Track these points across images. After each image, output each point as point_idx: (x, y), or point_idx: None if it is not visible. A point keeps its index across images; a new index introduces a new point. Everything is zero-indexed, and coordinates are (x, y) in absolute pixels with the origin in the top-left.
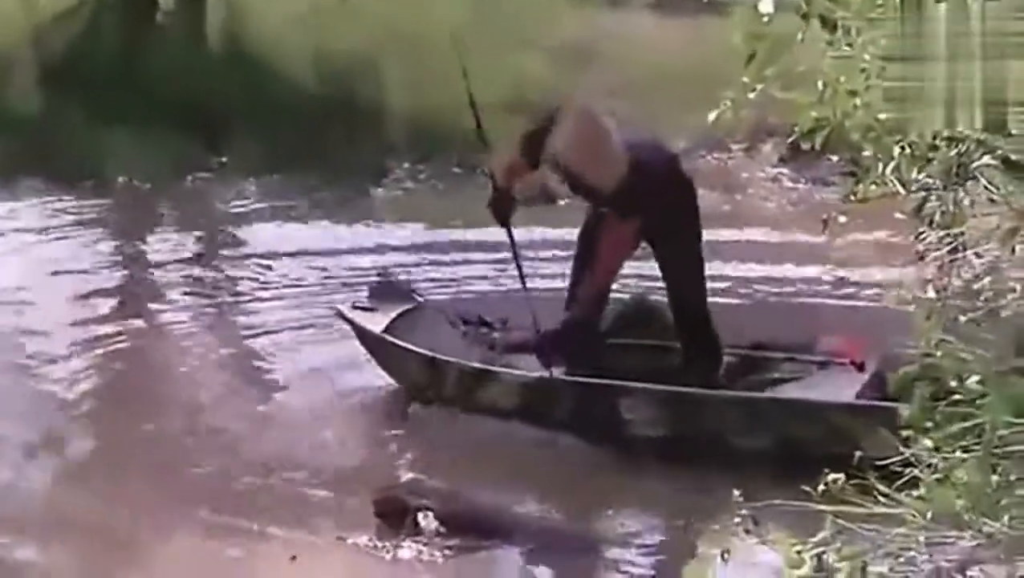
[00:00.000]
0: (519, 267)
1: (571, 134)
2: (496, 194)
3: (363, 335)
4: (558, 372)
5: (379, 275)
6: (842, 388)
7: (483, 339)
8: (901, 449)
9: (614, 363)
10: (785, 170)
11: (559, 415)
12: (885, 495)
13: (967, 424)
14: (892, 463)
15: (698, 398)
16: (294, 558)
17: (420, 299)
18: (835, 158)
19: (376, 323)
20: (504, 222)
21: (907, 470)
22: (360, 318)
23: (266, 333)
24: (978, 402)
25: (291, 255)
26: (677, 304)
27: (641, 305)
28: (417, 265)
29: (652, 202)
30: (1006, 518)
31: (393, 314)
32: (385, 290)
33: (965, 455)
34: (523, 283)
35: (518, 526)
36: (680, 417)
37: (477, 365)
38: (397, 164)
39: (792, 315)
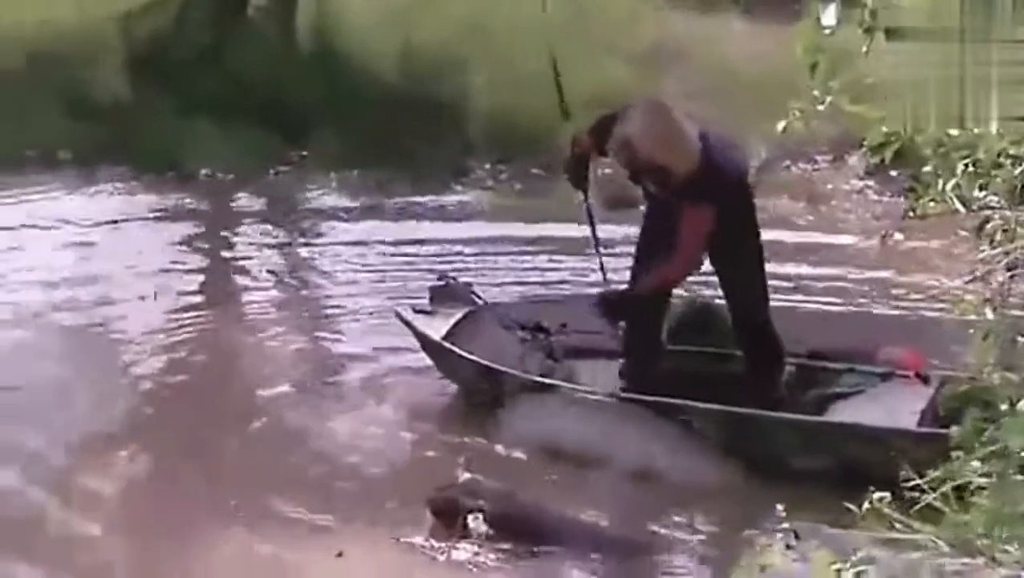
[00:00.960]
0: (595, 238)
1: (643, 118)
2: (571, 160)
3: (422, 340)
4: (624, 383)
5: (440, 278)
6: (906, 404)
7: (542, 345)
8: (912, 474)
9: (675, 369)
10: (871, 182)
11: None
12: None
13: (992, 448)
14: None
15: (758, 419)
16: (340, 554)
17: (479, 302)
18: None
19: (435, 327)
20: (579, 186)
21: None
22: (420, 322)
23: (346, 320)
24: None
25: (366, 244)
26: (738, 312)
27: (701, 310)
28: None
29: (722, 195)
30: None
31: (453, 319)
32: (445, 293)
33: (986, 480)
34: (599, 253)
35: (572, 531)
36: (739, 435)
37: (536, 377)
38: (478, 164)
39: (853, 324)
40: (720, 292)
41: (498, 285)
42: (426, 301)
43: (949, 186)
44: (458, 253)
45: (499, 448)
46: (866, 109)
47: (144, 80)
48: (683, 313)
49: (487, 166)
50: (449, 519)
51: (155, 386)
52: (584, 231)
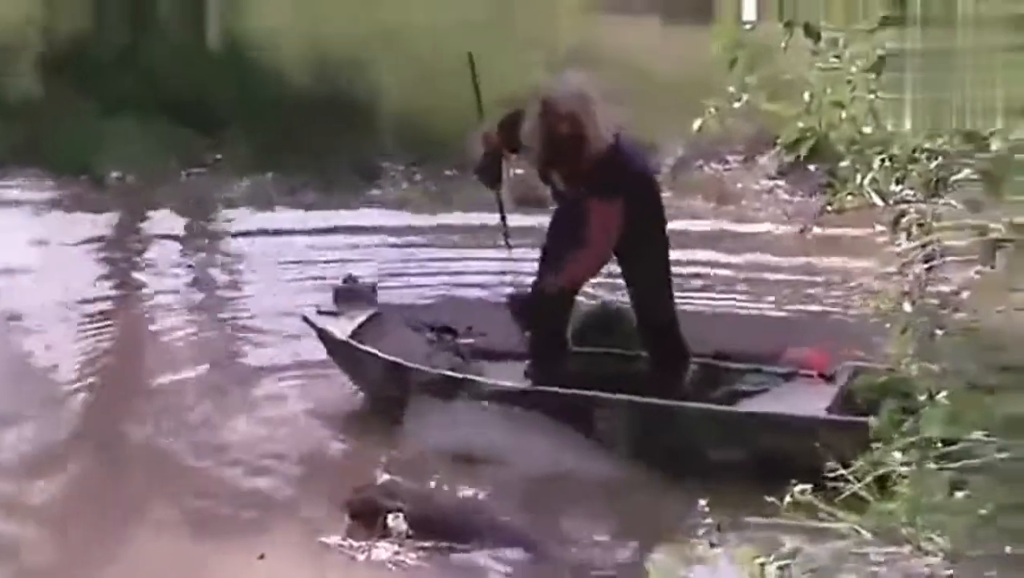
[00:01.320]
0: (505, 230)
1: (570, 87)
2: (484, 159)
3: (328, 341)
4: (530, 382)
5: (344, 280)
6: (811, 401)
7: (449, 346)
8: (834, 465)
9: (581, 370)
10: (781, 182)
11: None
12: (829, 513)
13: (912, 439)
14: (832, 478)
15: (670, 410)
16: (262, 557)
17: (383, 303)
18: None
19: (340, 328)
20: (492, 185)
21: (846, 486)
22: (326, 323)
23: (251, 321)
24: (920, 414)
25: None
26: (643, 311)
27: (606, 311)
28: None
29: (630, 189)
30: (946, 533)
31: (357, 320)
32: (350, 294)
33: (905, 469)
34: (508, 247)
35: (489, 530)
36: (652, 427)
37: (444, 372)
38: (391, 166)
39: (757, 325)
40: (625, 293)
41: (408, 286)
42: (331, 303)
43: (866, 181)
44: (369, 254)
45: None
46: (782, 107)
47: (59, 81)
48: (587, 315)
49: (401, 168)
50: (367, 520)
51: (58, 386)
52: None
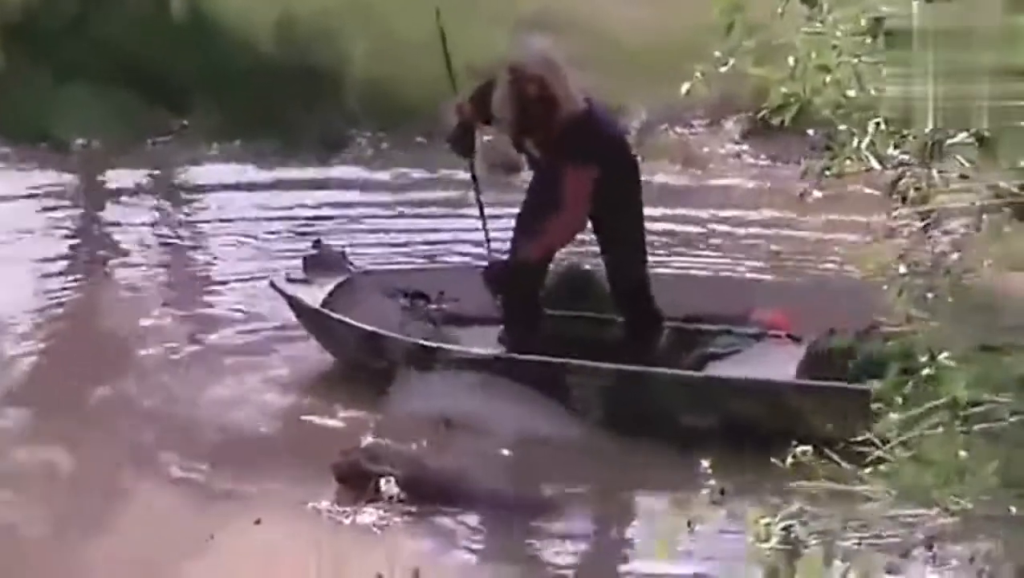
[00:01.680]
0: (480, 205)
1: (537, 51)
2: (457, 129)
3: (299, 308)
4: (504, 349)
5: (314, 245)
6: (781, 362)
7: (422, 312)
8: (866, 429)
9: (554, 335)
10: (746, 146)
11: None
12: (856, 476)
13: (937, 402)
14: (856, 442)
15: (644, 376)
16: (259, 522)
17: (353, 269)
18: (793, 136)
19: (311, 295)
20: (465, 153)
21: (871, 449)
22: (295, 291)
23: (224, 288)
24: (943, 378)
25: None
26: (618, 276)
27: (577, 275)
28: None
29: (604, 154)
30: (972, 495)
31: (328, 287)
32: (319, 261)
33: (932, 432)
34: (483, 217)
35: (475, 493)
36: (626, 394)
37: (423, 342)
38: (359, 133)
39: (724, 287)
40: (599, 257)
41: (378, 250)
42: (300, 269)
43: (864, 144)
44: (338, 220)
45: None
46: (768, 71)
47: (15, 48)
48: (559, 278)
49: (368, 135)
50: (355, 483)
51: (28, 354)
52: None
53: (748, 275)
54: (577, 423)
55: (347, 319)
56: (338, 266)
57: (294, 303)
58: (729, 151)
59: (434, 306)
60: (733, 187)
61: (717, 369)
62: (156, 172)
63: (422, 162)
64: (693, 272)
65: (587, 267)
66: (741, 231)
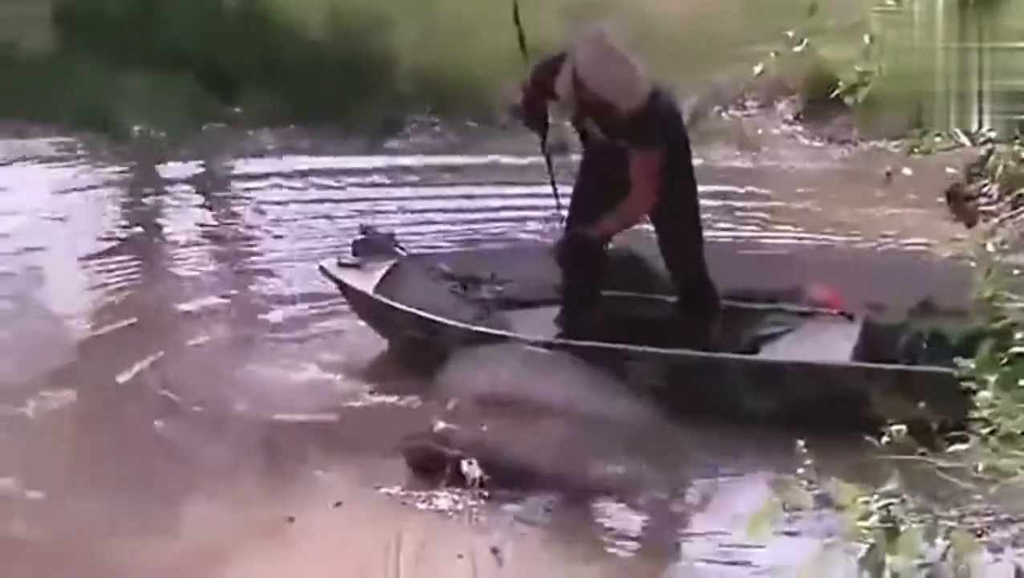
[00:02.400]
0: (553, 181)
1: (591, 54)
2: (525, 104)
3: (351, 295)
4: (560, 331)
5: (362, 230)
6: (837, 341)
7: (473, 295)
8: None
9: (610, 317)
10: (800, 128)
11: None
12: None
13: None
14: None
15: (704, 362)
16: (339, 504)
17: (403, 253)
18: (847, 116)
19: (362, 280)
20: (538, 128)
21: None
22: (347, 277)
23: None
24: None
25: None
26: (675, 255)
27: (628, 256)
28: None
29: (669, 136)
30: None
31: (379, 272)
32: (368, 245)
33: None
34: (556, 196)
35: (546, 475)
36: (686, 379)
37: (480, 328)
38: (411, 117)
39: (772, 264)
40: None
41: (431, 234)
42: (350, 254)
43: (953, 122)
44: (394, 205)
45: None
46: (837, 51)
47: (72, 36)
48: (611, 260)
49: (420, 119)
50: (427, 468)
51: (89, 341)
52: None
53: (801, 250)
54: (639, 404)
55: (401, 305)
56: (387, 250)
57: (345, 288)
58: (783, 132)
59: (486, 289)
60: (789, 167)
61: (772, 351)
62: (210, 159)
63: (472, 146)
64: (744, 250)
65: (635, 249)
66: (796, 205)
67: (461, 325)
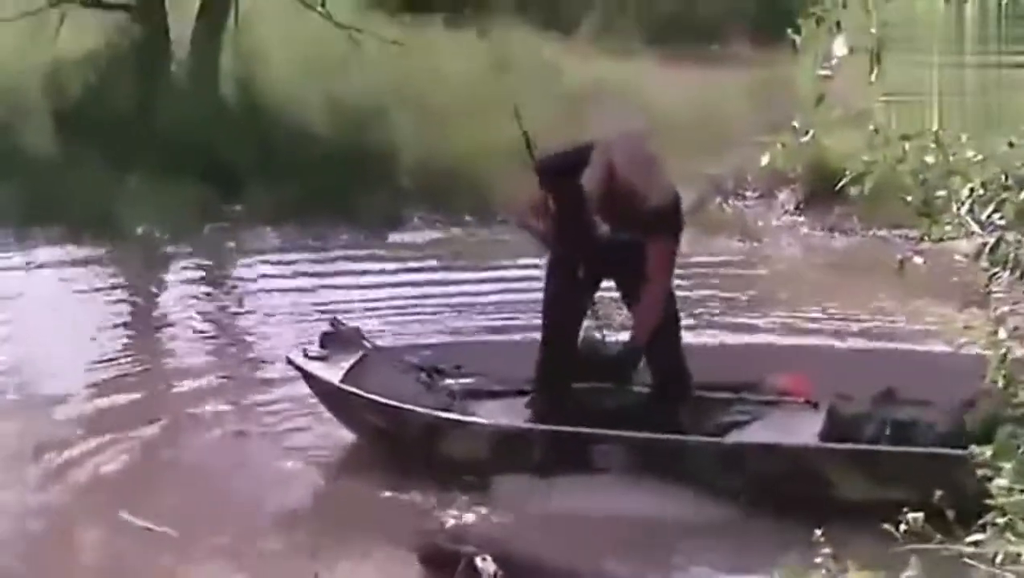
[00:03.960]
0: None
1: (631, 148)
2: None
3: (318, 385)
4: (528, 421)
5: (331, 323)
6: (802, 427)
7: (440, 386)
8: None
9: (581, 404)
10: (801, 218)
11: (530, 463)
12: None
13: None
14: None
15: (680, 445)
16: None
17: (369, 346)
18: (848, 207)
19: (329, 372)
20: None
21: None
22: (314, 368)
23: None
24: None
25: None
26: (654, 342)
27: (591, 348)
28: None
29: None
30: None
31: (347, 363)
32: (336, 338)
33: None
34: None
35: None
36: (659, 461)
37: (452, 416)
38: (412, 212)
39: (731, 355)
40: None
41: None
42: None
43: (963, 210)
44: (397, 304)
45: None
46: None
47: (72, 138)
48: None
49: (422, 214)
50: (440, 565)
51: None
52: None
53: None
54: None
55: (368, 394)
56: (355, 342)
57: (311, 378)
58: (784, 223)
59: (452, 380)
60: (790, 257)
61: (739, 437)
62: (211, 260)
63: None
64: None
65: (598, 337)
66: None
67: (424, 411)
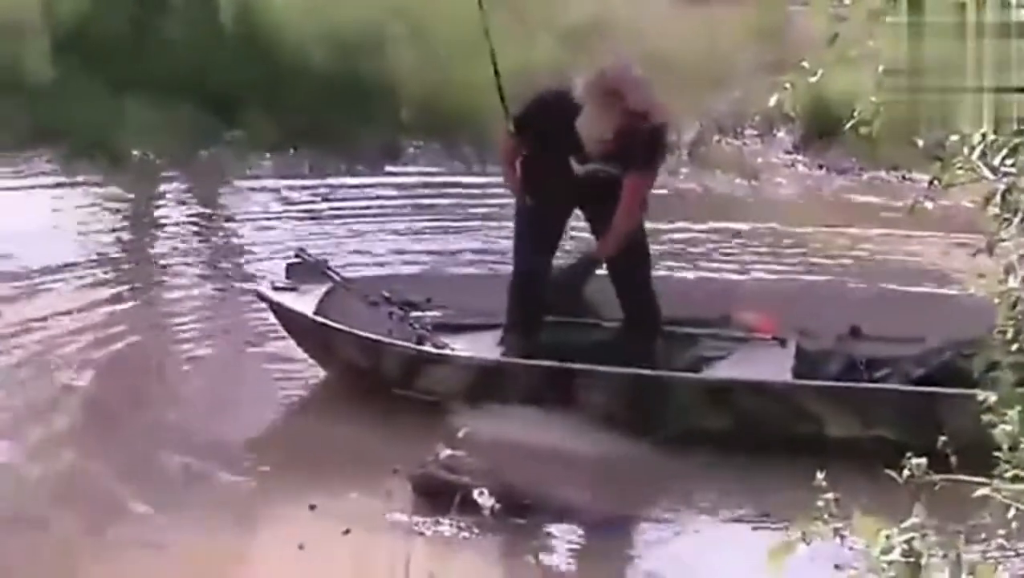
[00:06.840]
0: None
1: (626, 70)
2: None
3: (289, 316)
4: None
5: (296, 254)
6: (775, 364)
7: (411, 319)
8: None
9: (553, 339)
10: (800, 156)
11: (508, 397)
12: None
13: None
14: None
15: (657, 380)
16: (347, 532)
17: (337, 278)
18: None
19: (300, 304)
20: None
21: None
22: (285, 299)
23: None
24: None
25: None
26: (623, 278)
27: (562, 283)
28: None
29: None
30: None
31: (317, 295)
32: (302, 269)
33: None
34: None
35: (555, 505)
36: (637, 397)
37: (431, 349)
38: (409, 142)
39: (699, 291)
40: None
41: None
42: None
43: (975, 154)
44: (393, 231)
45: None
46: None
47: (70, 61)
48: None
49: (419, 143)
50: (434, 495)
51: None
52: None
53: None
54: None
55: (348, 328)
56: (319, 274)
57: (282, 311)
58: (782, 160)
59: (421, 312)
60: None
61: (713, 372)
62: (207, 183)
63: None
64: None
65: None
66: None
67: (404, 344)
